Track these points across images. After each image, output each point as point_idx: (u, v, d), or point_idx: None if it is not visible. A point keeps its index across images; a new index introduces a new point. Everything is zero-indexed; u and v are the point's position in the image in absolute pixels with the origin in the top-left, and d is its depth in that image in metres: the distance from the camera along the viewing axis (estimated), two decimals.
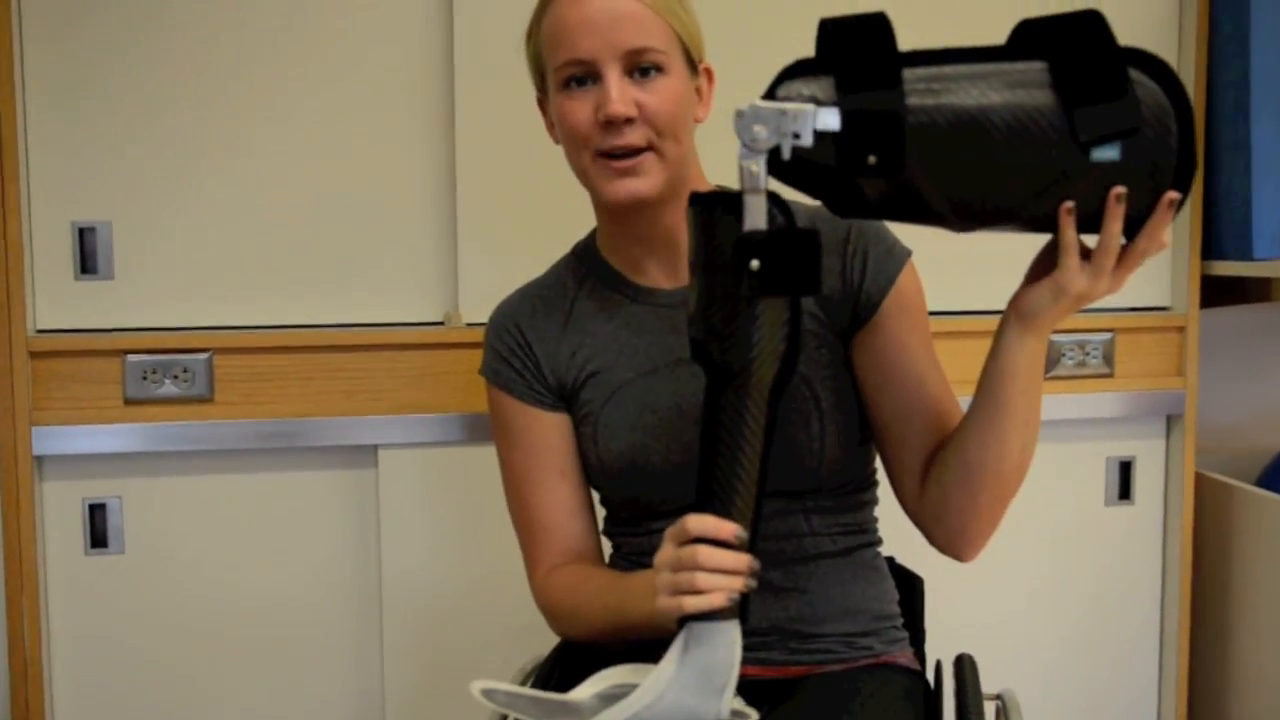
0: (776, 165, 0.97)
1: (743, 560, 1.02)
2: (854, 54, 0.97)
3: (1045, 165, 0.97)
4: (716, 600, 1.00)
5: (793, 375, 1.01)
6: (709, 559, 1.01)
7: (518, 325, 1.32)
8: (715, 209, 0.98)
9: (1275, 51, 1.87)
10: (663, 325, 1.27)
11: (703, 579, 1.00)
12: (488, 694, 1.08)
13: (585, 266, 1.33)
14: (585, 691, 1.11)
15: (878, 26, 0.97)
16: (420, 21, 1.76)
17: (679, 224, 1.23)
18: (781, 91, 0.97)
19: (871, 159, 0.96)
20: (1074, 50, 0.97)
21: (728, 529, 1.01)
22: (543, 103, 1.28)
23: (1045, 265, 1.05)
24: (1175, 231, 1.98)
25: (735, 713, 1.05)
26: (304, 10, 1.73)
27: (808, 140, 0.95)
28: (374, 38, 1.75)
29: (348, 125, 1.75)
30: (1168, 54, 1.94)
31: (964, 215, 1.01)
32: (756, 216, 0.96)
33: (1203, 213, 1.97)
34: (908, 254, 1.25)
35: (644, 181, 1.18)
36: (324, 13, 1.73)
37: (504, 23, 1.64)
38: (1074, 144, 0.96)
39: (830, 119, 0.95)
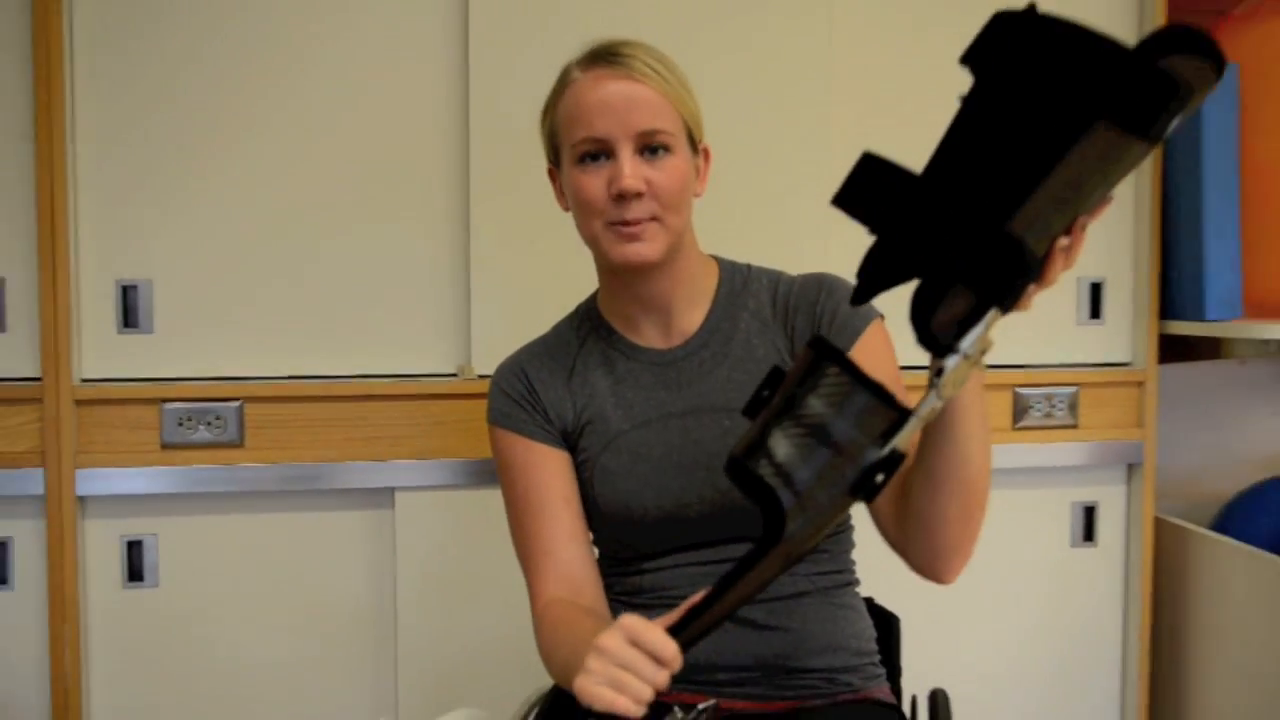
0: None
1: (664, 679, 0.98)
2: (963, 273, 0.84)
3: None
4: (627, 706, 0.97)
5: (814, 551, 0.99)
6: (643, 669, 0.97)
7: (525, 373, 1.35)
8: (830, 364, 0.93)
9: (1227, 121, 1.91)
10: (655, 381, 1.32)
11: (628, 679, 0.97)
12: None
13: (587, 325, 1.37)
14: None
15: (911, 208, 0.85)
16: (438, 91, 1.81)
17: (671, 288, 1.30)
18: (939, 327, 0.86)
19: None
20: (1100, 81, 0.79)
21: (672, 653, 0.98)
22: (553, 173, 1.32)
23: None
24: (1136, 294, 2.05)
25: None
26: (325, 81, 1.78)
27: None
28: (393, 108, 1.80)
29: (372, 199, 1.80)
30: None
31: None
32: (907, 439, 0.91)
33: (1160, 276, 2.02)
34: (878, 314, 1.27)
35: (648, 246, 1.23)
36: (342, 83, 1.79)
37: (517, 91, 1.70)
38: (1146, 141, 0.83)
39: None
